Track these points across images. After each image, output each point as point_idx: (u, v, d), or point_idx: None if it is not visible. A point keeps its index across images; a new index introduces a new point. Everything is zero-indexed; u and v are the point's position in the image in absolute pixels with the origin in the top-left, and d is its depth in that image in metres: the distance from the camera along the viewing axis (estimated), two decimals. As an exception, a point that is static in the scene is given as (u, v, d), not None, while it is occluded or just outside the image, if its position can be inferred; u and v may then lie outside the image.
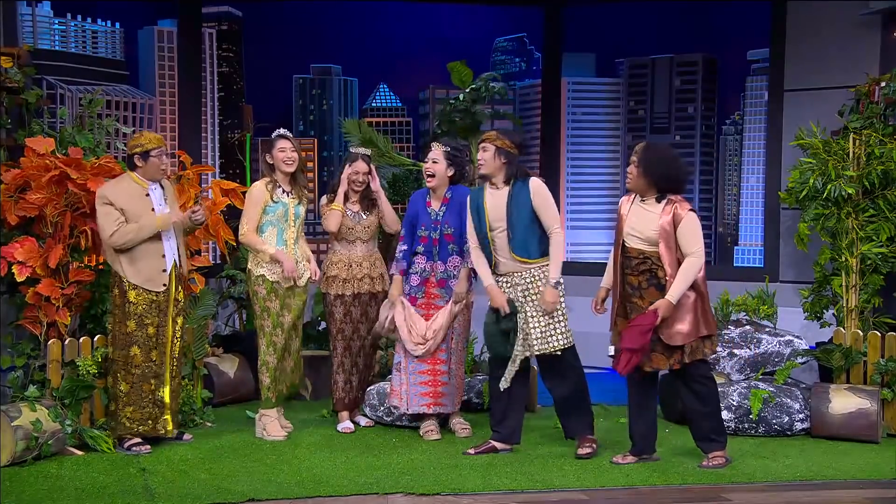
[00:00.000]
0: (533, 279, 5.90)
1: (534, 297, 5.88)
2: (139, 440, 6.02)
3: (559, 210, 6.26)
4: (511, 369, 5.92)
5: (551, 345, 5.88)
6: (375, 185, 6.60)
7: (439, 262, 6.38)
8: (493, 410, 6.13)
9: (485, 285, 5.99)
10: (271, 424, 6.37)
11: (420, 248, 6.40)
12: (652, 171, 5.64)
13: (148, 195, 6.00)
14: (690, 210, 5.65)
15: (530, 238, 5.90)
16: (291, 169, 6.41)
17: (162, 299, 6.03)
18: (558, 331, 5.88)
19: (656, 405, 5.95)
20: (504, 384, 5.94)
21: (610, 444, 6.11)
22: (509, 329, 5.88)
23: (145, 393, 6.03)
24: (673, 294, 5.55)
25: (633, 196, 5.77)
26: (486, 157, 5.95)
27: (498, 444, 6.04)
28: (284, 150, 6.39)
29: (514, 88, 9.42)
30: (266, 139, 6.52)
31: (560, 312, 5.89)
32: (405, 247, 6.43)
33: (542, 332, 5.86)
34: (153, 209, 5.99)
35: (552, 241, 5.90)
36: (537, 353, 5.90)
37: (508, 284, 5.94)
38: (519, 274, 5.92)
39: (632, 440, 5.86)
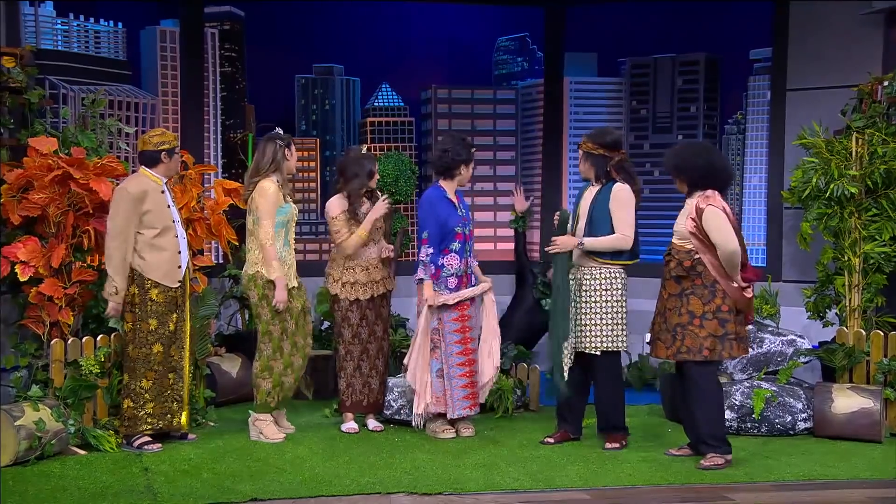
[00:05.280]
0: (593, 278, 6.04)
1: (591, 295, 6.03)
2: (149, 439, 6.03)
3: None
4: (563, 364, 6.06)
5: (598, 344, 6.03)
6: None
7: (470, 257, 6.45)
8: (559, 404, 6.31)
9: None
10: (268, 427, 6.35)
11: (455, 246, 6.35)
12: (680, 168, 5.78)
13: (164, 192, 6.08)
14: (710, 204, 5.65)
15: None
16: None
17: (178, 294, 6.09)
18: (607, 333, 6.02)
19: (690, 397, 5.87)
20: (560, 379, 6.10)
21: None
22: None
23: (165, 388, 6.07)
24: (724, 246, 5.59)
25: None
26: (580, 161, 6.18)
27: (570, 433, 6.25)
28: (294, 155, 6.42)
29: (516, 88, 9.40)
30: (277, 137, 6.39)
31: (613, 316, 6.02)
32: (431, 249, 6.30)
33: (590, 331, 6.02)
34: (168, 206, 6.07)
35: (613, 235, 5.99)
36: (582, 350, 6.06)
37: (572, 277, 6.09)
38: (580, 269, 6.07)
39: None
